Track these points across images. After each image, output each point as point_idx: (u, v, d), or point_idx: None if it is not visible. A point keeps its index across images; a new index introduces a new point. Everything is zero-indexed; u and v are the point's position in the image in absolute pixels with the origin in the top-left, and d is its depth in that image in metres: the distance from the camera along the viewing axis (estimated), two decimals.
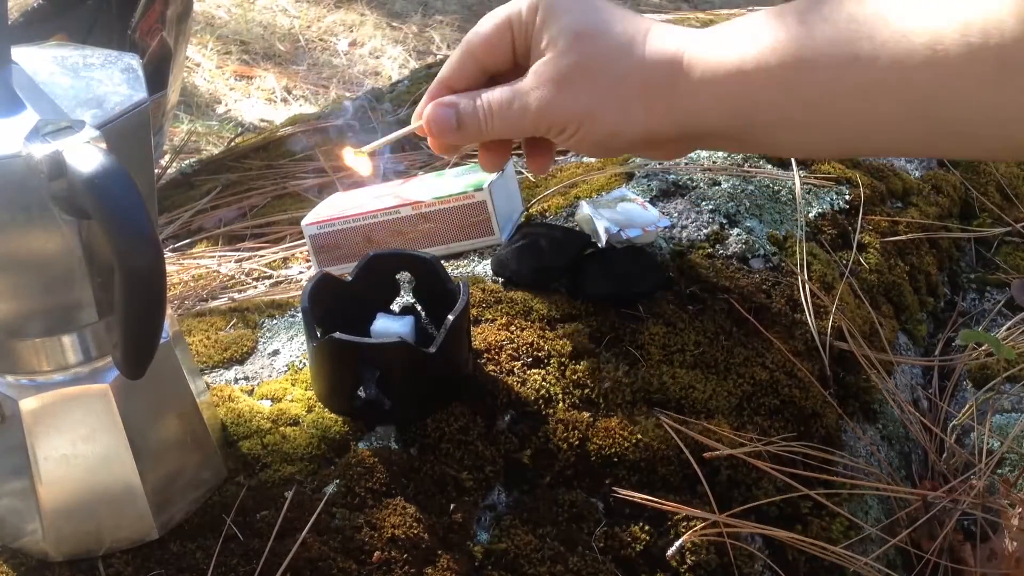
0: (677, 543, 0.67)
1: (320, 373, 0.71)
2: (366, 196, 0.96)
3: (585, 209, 0.89)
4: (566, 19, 0.59)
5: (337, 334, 0.66)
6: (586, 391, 0.74)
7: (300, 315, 0.78)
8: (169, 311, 0.58)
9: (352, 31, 3.19)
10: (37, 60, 0.53)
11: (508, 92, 0.61)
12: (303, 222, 0.93)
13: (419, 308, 0.77)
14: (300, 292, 0.86)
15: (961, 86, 0.46)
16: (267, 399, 0.73)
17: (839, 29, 0.49)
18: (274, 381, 0.75)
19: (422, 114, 0.66)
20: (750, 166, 1.05)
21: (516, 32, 0.62)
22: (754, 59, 0.53)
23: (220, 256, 1.06)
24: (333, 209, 0.94)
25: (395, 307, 0.78)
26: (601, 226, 0.87)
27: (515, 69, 0.63)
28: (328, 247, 0.92)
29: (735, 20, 0.57)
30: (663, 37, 0.58)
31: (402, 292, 0.78)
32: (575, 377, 0.75)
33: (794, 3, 0.53)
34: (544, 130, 0.60)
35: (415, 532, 0.63)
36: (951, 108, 0.48)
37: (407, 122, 1.26)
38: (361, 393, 0.67)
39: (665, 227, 0.90)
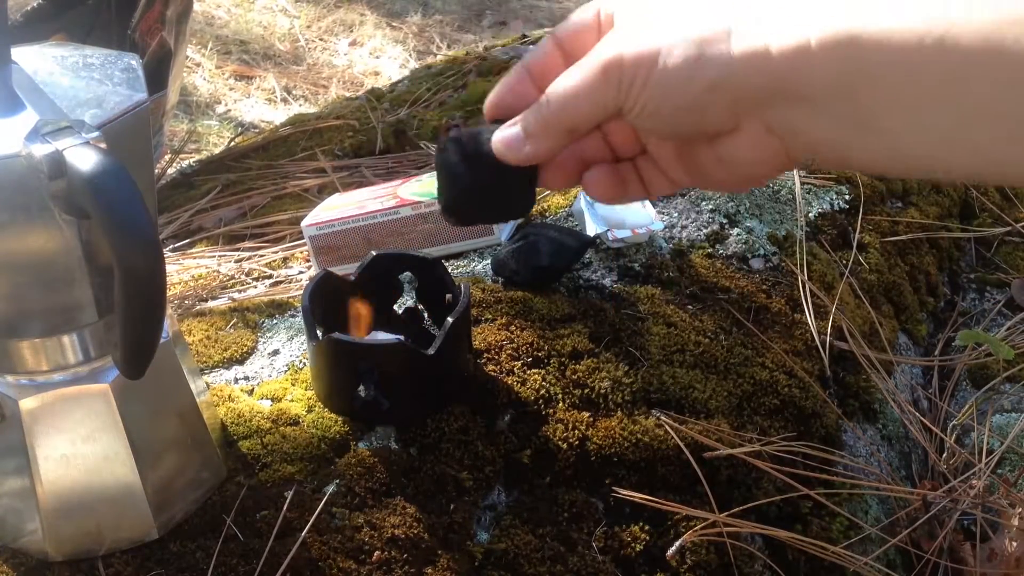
0: (677, 543, 0.67)
1: (320, 373, 0.71)
2: (365, 197, 0.96)
3: (581, 203, 0.89)
4: None
5: (336, 334, 0.66)
6: (586, 391, 0.74)
7: (300, 315, 0.78)
8: (169, 311, 0.58)
9: (352, 31, 3.19)
10: (37, 60, 0.53)
11: (574, 65, 0.54)
12: (303, 223, 0.93)
13: (420, 308, 0.77)
14: (300, 292, 0.86)
15: None
16: (267, 399, 0.73)
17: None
18: (274, 381, 0.75)
19: (492, 103, 0.59)
20: None
21: (603, 13, 0.56)
22: (879, 19, 0.46)
23: (220, 256, 1.06)
24: (333, 210, 0.94)
25: (397, 308, 0.78)
26: (591, 227, 0.87)
27: None
28: (328, 248, 0.92)
29: None
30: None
31: (404, 293, 0.78)
32: (575, 377, 0.75)
33: None
34: (615, 83, 0.52)
35: (415, 532, 0.63)
36: None
37: (406, 122, 1.25)
38: (360, 393, 0.67)
39: (657, 230, 0.90)
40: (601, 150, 0.60)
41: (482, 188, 0.58)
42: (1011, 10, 0.42)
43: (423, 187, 0.94)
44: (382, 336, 0.71)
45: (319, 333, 0.69)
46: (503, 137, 0.57)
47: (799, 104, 0.50)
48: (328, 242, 0.92)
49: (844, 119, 0.49)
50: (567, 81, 0.54)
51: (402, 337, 0.70)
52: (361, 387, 0.67)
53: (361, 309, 0.72)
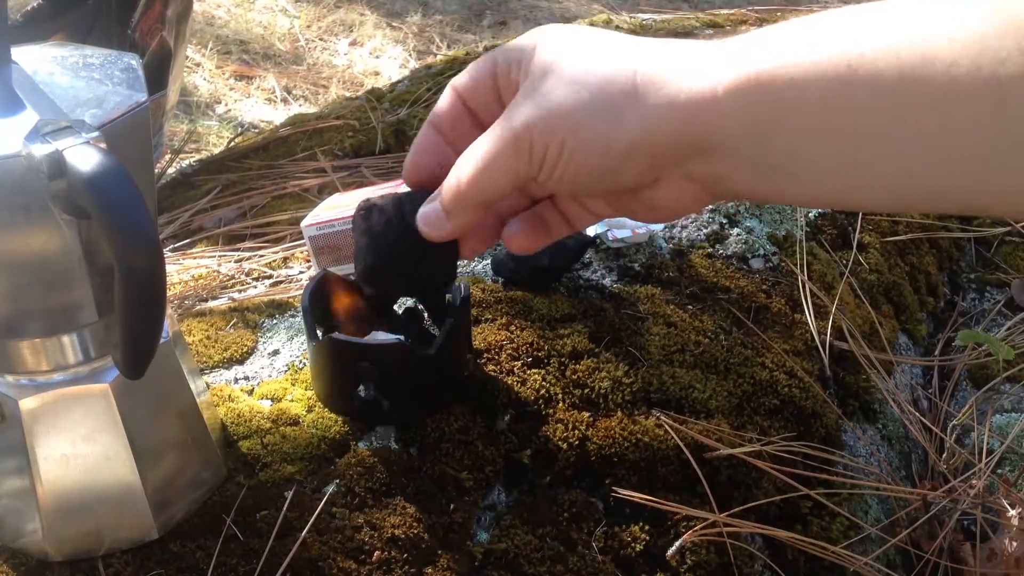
0: (677, 543, 0.67)
1: (320, 373, 0.71)
2: (365, 197, 0.96)
3: None
4: (548, 43, 0.52)
5: (336, 334, 0.66)
6: (586, 391, 0.74)
7: (300, 315, 0.78)
8: (169, 311, 0.58)
9: (352, 31, 3.19)
10: (37, 60, 0.53)
11: (484, 136, 0.53)
12: (302, 224, 0.93)
13: (420, 308, 0.77)
14: (300, 292, 0.86)
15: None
16: (267, 399, 0.73)
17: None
18: (274, 381, 0.75)
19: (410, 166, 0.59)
20: None
21: (500, 67, 0.55)
22: (784, 59, 0.45)
23: (220, 256, 1.06)
24: (332, 210, 0.94)
25: (397, 308, 0.78)
26: (590, 227, 0.86)
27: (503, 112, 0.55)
28: (328, 248, 0.92)
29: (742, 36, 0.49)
30: (654, 46, 0.51)
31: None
32: (575, 377, 0.75)
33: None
34: (527, 156, 0.51)
35: (415, 532, 0.63)
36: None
37: (406, 122, 1.25)
38: (360, 393, 0.67)
39: (657, 229, 0.90)
40: (517, 201, 0.59)
41: (405, 259, 0.57)
42: (910, 40, 0.42)
43: None
44: (382, 336, 0.71)
45: (319, 333, 0.69)
46: (424, 215, 0.56)
47: (713, 153, 0.49)
48: (328, 242, 0.92)
49: (758, 164, 0.49)
50: (478, 155, 0.52)
51: (402, 337, 0.70)
52: (361, 387, 0.67)
53: (361, 309, 0.72)
